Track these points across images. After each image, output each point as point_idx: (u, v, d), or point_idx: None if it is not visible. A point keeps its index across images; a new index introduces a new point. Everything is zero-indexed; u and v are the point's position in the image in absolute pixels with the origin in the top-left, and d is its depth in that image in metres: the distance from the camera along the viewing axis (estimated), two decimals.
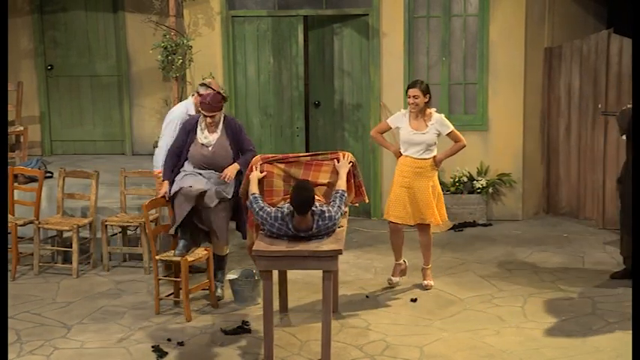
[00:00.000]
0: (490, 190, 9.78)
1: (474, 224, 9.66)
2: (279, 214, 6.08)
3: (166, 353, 6.25)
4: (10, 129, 10.13)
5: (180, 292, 7.04)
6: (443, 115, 7.39)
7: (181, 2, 9.50)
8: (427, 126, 7.26)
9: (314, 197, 6.08)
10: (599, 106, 9.33)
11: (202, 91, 7.38)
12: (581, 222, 9.72)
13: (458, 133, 7.35)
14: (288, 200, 6.23)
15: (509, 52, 9.65)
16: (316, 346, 6.27)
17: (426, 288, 7.53)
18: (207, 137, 7.19)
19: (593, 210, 9.55)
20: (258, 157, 6.79)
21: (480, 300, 7.28)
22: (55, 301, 7.45)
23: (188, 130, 7.25)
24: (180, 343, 6.43)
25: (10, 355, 6.20)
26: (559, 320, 6.78)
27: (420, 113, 7.27)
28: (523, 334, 6.52)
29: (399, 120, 7.38)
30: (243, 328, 6.68)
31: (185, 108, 7.68)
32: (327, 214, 6.09)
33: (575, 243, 8.93)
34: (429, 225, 7.43)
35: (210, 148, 7.17)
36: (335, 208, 6.16)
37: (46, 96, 11.18)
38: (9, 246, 8.17)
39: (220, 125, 7.22)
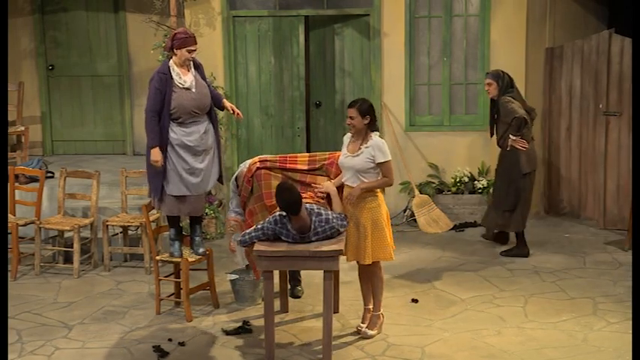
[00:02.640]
0: (491, 190, 9.76)
1: (475, 224, 9.64)
2: (277, 218, 6.07)
3: (167, 353, 6.26)
4: (11, 129, 10.13)
5: (181, 293, 7.04)
6: (384, 142, 6.31)
7: (182, 2, 9.49)
8: (360, 149, 6.28)
9: (299, 194, 6.00)
10: (600, 106, 9.31)
11: None
12: (582, 222, 9.70)
13: (391, 167, 6.32)
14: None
15: (511, 53, 9.64)
16: (317, 346, 6.27)
17: (361, 335, 6.50)
18: (186, 80, 6.78)
19: (594, 210, 9.53)
20: (256, 158, 6.78)
21: (481, 300, 7.28)
22: (56, 301, 7.45)
23: (163, 86, 6.74)
24: (182, 344, 6.43)
25: (11, 355, 6.20)
26: (560, 320, 6.78)
27: (359, 136, 6.35)
28: (524, 335, 6.52)
29: (345, 143, 6.50)
30: (244, 328, 6.68)
31: None
32: (324, 216, 6.08)
33: (576, 243, 8.92)
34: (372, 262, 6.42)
35: (194, 90, 6.79)
36: (334, 215, 6.13)
37: (47, 96, 11.17)
38: (10, 246, 8.18)
39: (190, 63, 6.88)
